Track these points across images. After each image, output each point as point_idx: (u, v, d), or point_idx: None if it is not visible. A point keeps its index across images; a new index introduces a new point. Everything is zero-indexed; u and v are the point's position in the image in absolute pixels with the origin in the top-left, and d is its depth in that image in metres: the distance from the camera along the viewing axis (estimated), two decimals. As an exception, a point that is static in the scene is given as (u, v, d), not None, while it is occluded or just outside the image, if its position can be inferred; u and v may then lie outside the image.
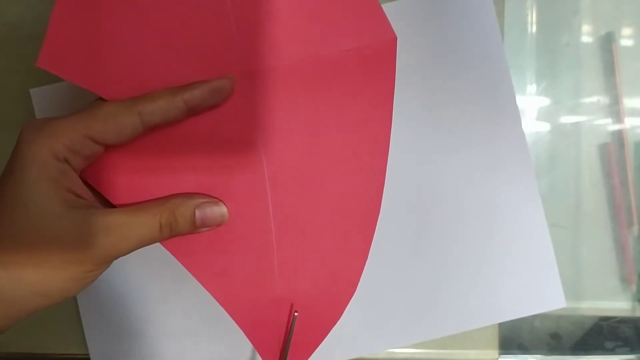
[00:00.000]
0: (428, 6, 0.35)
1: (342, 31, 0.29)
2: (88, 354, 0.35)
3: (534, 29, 0.37)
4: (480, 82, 0.35)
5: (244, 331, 0.30)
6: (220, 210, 0.28)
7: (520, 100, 0.36)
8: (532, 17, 0.37)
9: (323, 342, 0.30)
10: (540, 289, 0.35)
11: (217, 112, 0.28)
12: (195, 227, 0.27)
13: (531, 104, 0.37)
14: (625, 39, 0.37)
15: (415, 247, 0.35)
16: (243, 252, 0.29)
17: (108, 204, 0.28)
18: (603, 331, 0.37)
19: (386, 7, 0.35)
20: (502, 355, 0.36)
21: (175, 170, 0.28)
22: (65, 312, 0.36)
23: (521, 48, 0.37)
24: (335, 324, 0.31)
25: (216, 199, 0.28)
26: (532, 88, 0.37)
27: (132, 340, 0.35)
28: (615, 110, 0.37)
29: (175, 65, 0.27)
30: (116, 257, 0.25)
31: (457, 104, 0.35)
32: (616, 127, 0.37)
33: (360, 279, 0.30)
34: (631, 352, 0.37)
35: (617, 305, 0.37)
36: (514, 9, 0.37)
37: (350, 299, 0.30)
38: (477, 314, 0.35)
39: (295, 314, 0.30)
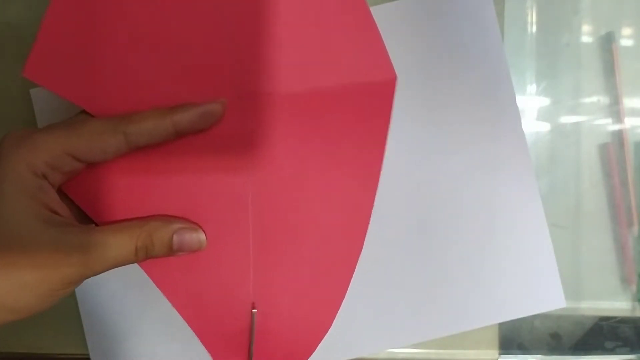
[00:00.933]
0: (428, 6, 0.35)
1: (343, 65, 0.28)
2: (88, 354, 0.35)
3: (534, 29, 0.37)
4: (480, 82, 0.35)
5: (212, 356, 0.29)
6: (198, 237, 0.27)
7: (520, 100, 0.36)
8: (532, 17, 0.37)
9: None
10: (540, 289, 0.35)
11: (205, 134, 0.27)
12: (171, 251, 0.26)
13: (531, 104, 0.37)
14: (625, 39, 0.37)
15: (415, 247, 0.35)
16: (218, 279, 0.28)
17: (86, 219, 0.27)
18: (603, 331, 0.37)
19: (386, 7, 0.35)
20: (502, 355, 0.36)
21: (157, 189, 0.27)
22: (65, 312, 0.36)
23: (521, 48, 0.37)
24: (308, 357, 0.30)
25: (195, 225, 0.27)
26: (532, 88, 0.37)
27: (132, 340, 0.35)
28: (615, 110, 0.37)
29: (166, 83, 0.27)
30: (88, 277, 0.25)
31: (456, 104, 0.35)
32: (616, 127, 0.37)
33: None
34: (631, 352, 0.37)
35: (617, 305, 0.37)
36: (514, 9, 0.37)
37: (325, 334, 0.30)
38: (477, 314, 0.35)
39: (254, 311, 0.29)
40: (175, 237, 0.26)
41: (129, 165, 0.27)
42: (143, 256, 0.26)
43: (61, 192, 0.27)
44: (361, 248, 0.29)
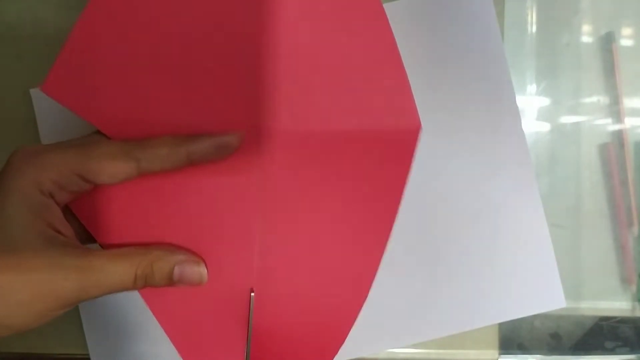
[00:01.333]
0: (428, 6, 0.35)
1: (367, 109, 0.27)
2: (88, 354, 0.35)
3: (534, 28, 0.37)
4: (480, 82, 0.35)
5: None
6: (199, 270, 0.27)
7: (520, 100, 0.36)
8: (532, 17, 0.37)
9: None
10: (540, 289, 0.35)
11: (217, 165, 0.27)
12: (171, 282, 0.26)
13: (531, 104, 0.37)
14: (626, 39, 0.37)
15: (415, 247, 0.35)
16: (217, 316, 0.28)
17: (90, 238, 0.27)
18: (603, 331, 0.37)
19: (386, 7, 0.35)
20: (502, 355, 0.36)
21: (164, 216, 0.27)
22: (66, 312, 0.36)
23: (521, 48, 0.37)
24: None
25: (198, 258, 0.27)
26: (532, 88, 0.37)
27: (132, 340, 0.35)
28: (615, 110, 0.37)
29: (183, 110, 0.26)
30: (83, 301, 0.24)
31: (456, 105, 0.35)
32: (616, 127, 0.37)
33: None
34: (631, 352, 0.37)
35: (617, 305, 0.37)
36: (514, 9, 0.37)
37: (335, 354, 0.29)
38: (477, 314, 0.35)
39: (252, 294, 0.28)
40: (176, 269, 0.26)
41: (137, 189, 0.26)
42: (142, 284, 0.25)
43: (67, 209, 0.26)
44: (367, 292, 0.29)
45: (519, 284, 0.35)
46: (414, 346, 0.36)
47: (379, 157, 0.28)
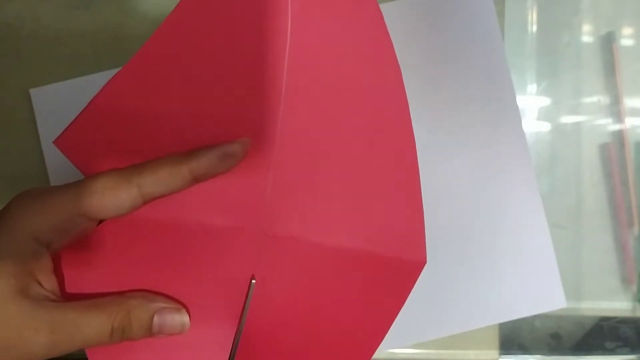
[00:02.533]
0: (428, 6, 0.35)
1: (377, 233, 0.26)
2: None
3: (535, 28, 0.37)
4: (480, 82, 0.35)
5: None
6: (181, 319, 0.25)
7: (521, 100, 0.36)
8: (533, 17, 0.37)
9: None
10: (541, 289, 0.35)
11: (207, 201, 0.25)
12: (150, 334, 0.24)
13: (531, 103, 0.37)
14: (626, 39, 0.37)
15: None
16: None
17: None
18: (603, 331, 0.37)
19: (386, 7, 0.35)
20: (503, 356, 0.36)
21: (142, 256, 0.25)
22: None
23: (521, 48, 0.37)
24: None
25: (179, 305, 0.25)
26: (532, 88, 0.37)
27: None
28: (615, 110, 0.37)
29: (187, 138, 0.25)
30: (53, 357, 0.23)
31: (456, 105, 0.35)
32: (617, 127, 0.37)
33: None
34: (632, 352, 0.37)
35: (618, 305, 0.37)
36: (514, 8, 0.37)
37: None
38: (478, 314, 0.35)
39: (253, 281, 0.26)
40: (156, 318, 0.24)
41: (111, 227, 0.25)
42: (119, 338, 0.23)
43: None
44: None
45: (519, 284, 0.35)
46: (414, 346, 0.36)
47: (376, 284, 0.27)
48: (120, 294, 0.25)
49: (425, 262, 0.27)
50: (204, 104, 0.25)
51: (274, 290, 0.26)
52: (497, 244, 0.35)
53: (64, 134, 0.25)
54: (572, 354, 0.37)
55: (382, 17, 0.27)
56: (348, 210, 0.26)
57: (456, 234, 0.35)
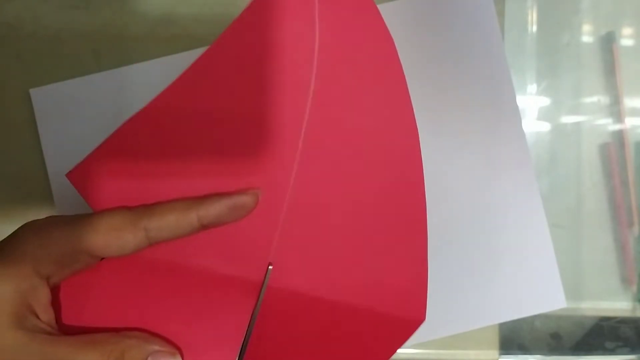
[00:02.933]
0: (428, 6, 0.35)
1: (380, 291, 0.26)
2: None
3: (534, 28, 0.37)
4: (480, 82, 0.35)
5: None
6: None
7: (521, 100, 0.36)
8: (533, 17, 0.37)
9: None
10: (540, 289, 0.35)
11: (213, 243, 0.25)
12: None
13: (531, 103, 0.37)
14: (626, 39, 0.37)
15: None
16: None
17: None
18: (604, 331, 0.37)
19: (386, 7, 0.35)
20: (503, 356, 0.36)
21: (140, 296, 0.25)
22: None
23: (521, 48, 0.37)
24: None
25: (173, 349, 0.25)
26: (532, 88, 0.37)
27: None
28: (615, 110, 0.37)
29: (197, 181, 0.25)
30: None
31: (456, 105, 0.35)
32: (617, 127, 0.37)
33: None
34: (632, 352, 0.37)
35: (618, 305, 0.37)
36: (514, 9, 0.37)
37: None
38: (478, 314, 0.35)
39: (270, 267, 0.26)
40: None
41: (108, 266, 0.25)
42: None
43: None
44: None
45: (519, 284, 0.35)
46: (414, 346, 0.36)
47: (373, 339, 0.27)
48: (117, 331, 0.24)
49: (424, 320, 0.27)
50: (218, 149, 0.25)
51: (269, 340, 0.26)
52: (496, 245, 0.35)
53: (77, 167, 0.25)
54: (572, 354, 0.37)
55: (404, 81, 0.27)
56: (353, 268, 0.26)
57: (456, 235, 0.35)
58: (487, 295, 0.35)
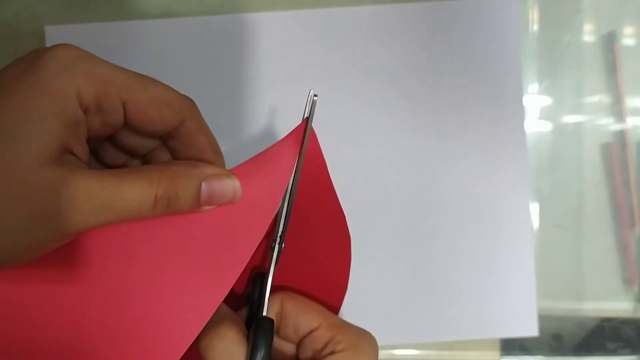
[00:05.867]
0: (445, 9, 0.35)
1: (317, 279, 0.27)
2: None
3: (536, 28, 0.37)
4: (489, 84, 0.35)
5: None
6: (233, 184, 0.22)
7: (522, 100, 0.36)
8: (534, 16, 0.37)
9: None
10: (516, 314, 0.35)
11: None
12: (198, 205, 0.21)
13: (533, 103, 0.37)
14: (627, 38, 0.37)
15: (412, 249, 0.35)
16: None
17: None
18: (605, 332, 0.37)
19: (389, 7, 0.35)
20: (504, 357, 0.36)
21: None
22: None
23: (523, 47, 0.37)
24: None
25: (228, 172, 0.22)
26: (534, 87, 0.37)
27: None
28: (617, 110, 0.37)
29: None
30: (89, 228, 0.20)
31: (462, 108, 0.35)
32: (618, 126, 0.37)
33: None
34: (633, 353, 0.37)
35: (619, 306, 0.37)
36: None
37: None
38: (456, 325, 0.35)
39: (282, 245, 0.25)
40: (204, 186, 0.21)
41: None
42: (162, 210, 0.20)
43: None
44: None
45: (496, 305, 0.35)
46: (415, 347, 0.36)
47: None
48: (161, 163, 0.22)
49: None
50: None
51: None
52: (480, 260, 0.35)
53: None
54: (574, 355, 0.37)
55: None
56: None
57: (446, 240, 0.35)
58: (465, 309, 0.35)
